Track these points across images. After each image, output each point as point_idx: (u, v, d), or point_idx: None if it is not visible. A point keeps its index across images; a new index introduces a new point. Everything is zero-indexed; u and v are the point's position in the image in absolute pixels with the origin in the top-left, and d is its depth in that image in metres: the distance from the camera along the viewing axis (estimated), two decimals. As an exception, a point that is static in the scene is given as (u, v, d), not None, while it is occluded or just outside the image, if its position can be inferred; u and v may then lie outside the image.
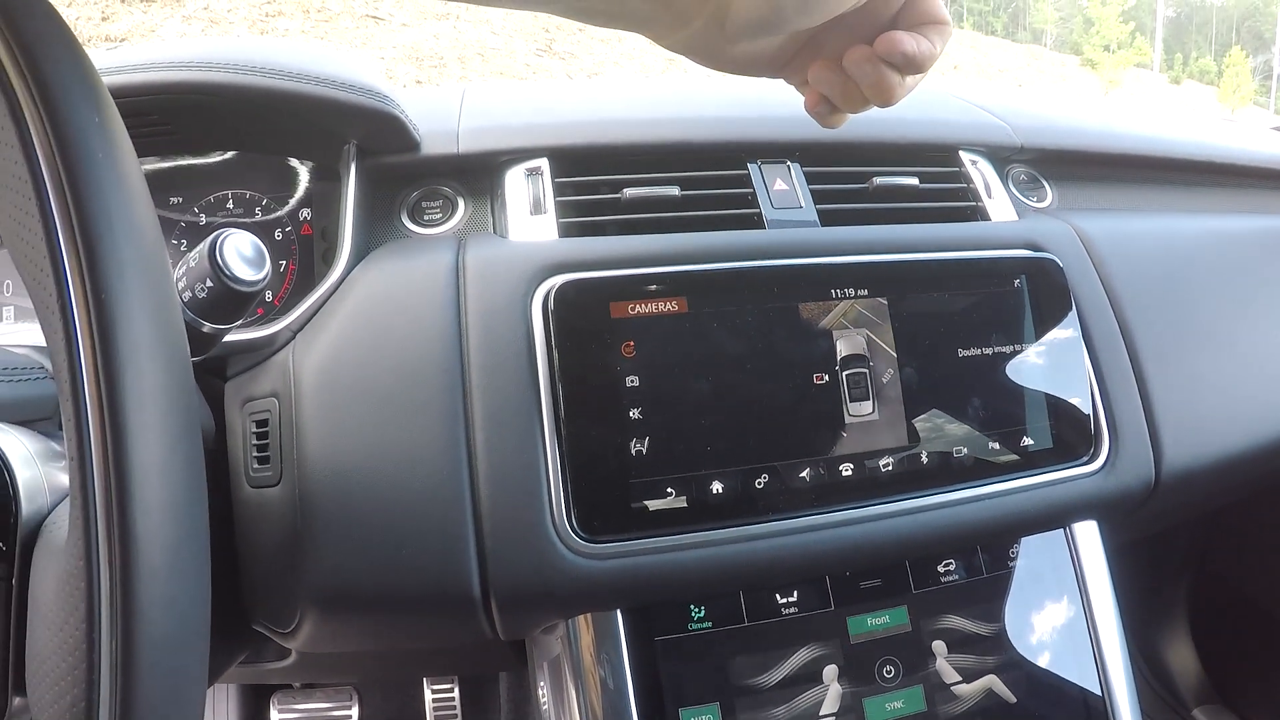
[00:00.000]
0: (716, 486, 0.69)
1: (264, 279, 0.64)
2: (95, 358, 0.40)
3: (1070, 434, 0.79)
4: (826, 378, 0.72)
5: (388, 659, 0.99)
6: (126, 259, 0.41)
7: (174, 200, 0.87)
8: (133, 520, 0.41)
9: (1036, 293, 0.81)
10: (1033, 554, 0.81)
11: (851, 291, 0.74)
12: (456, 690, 1.35)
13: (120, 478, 0.40)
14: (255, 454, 0.70)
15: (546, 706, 0.79)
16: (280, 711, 1.37)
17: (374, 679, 1.39)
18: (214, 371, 0.76)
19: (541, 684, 0.80)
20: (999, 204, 0.90)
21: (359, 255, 0.77)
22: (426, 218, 0.83)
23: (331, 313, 0.73)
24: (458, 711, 1.35)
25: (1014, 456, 0.77)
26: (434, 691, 1.34)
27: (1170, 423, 0.84)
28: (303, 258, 0.88)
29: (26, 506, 0.50)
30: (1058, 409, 0.79)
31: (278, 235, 0.88)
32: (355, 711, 1.37)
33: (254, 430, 0.71)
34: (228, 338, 0.73)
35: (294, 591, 0.68)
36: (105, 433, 0.40)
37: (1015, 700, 0.77)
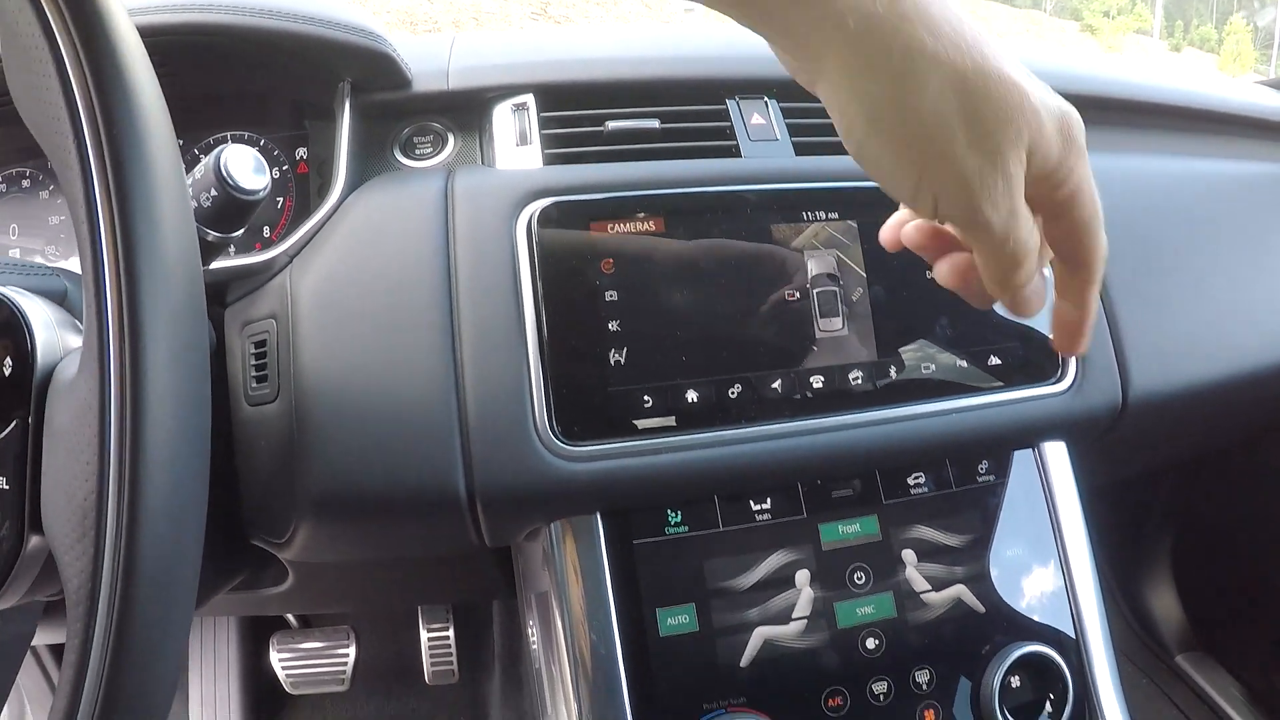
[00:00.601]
0: (691, 395, 0.72)
1: (265, 188, 0.68)
2: (110, 191, 0.44)
3: (1037, 354, 0.82)
4: (797, 294, 0.75)
5: (382, 582, 1.02)
6: (136, 111, 0.45)
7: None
8: (141, 329, 0.45)
9: (1004, 219, 0.83)
10: (1002, 471, 0.84)
11: (822, 214, 0.77)
12: (451, 630, 1.38)
13: (131, 297, 0.45)
14: (254, 373, 0.73)
15: (536, 646, 0.83)
16: (279, 651, 1.40)
17: (369, 608, 1.43)
18: (214, 299, 0.79)
19: (531, 622, 0.83)
20: (972, 140, 0.92)
21: (353, 186, 0.80)
22: (418, 152, 0.86)
23: (327, 237, 0.76)
24: (453, 649, 1.39)
25: (981, 374, 0.80)
26: (430, 630, 1.38)
27: (1137, 349, 0.87)
28: (299, 194, 0.91)
29: (42, 358, 0.54)
30: (1025, 331, 0.82)
31: (275, 173, 0.91)
32: (352, 650, 1.41)
33: (253, 351, 0.74)
34: (228, 263, 0.77)
35: (289, 499, 0.71)
36: (118, 256, 0.44)
37: (984, 610, 0.81)
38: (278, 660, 1.41)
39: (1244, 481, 1.43)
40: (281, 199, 0.91)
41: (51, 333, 0.57)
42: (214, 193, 0.67)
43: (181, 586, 0.48)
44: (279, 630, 1.45)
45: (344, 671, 1.41)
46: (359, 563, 0.91)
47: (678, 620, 0.73)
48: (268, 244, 0.87)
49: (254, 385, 0.73)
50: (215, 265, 0.77)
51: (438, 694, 1.55)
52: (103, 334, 0.45)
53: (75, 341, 0.58)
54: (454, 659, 1.40)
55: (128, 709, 0.45)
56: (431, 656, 1.40)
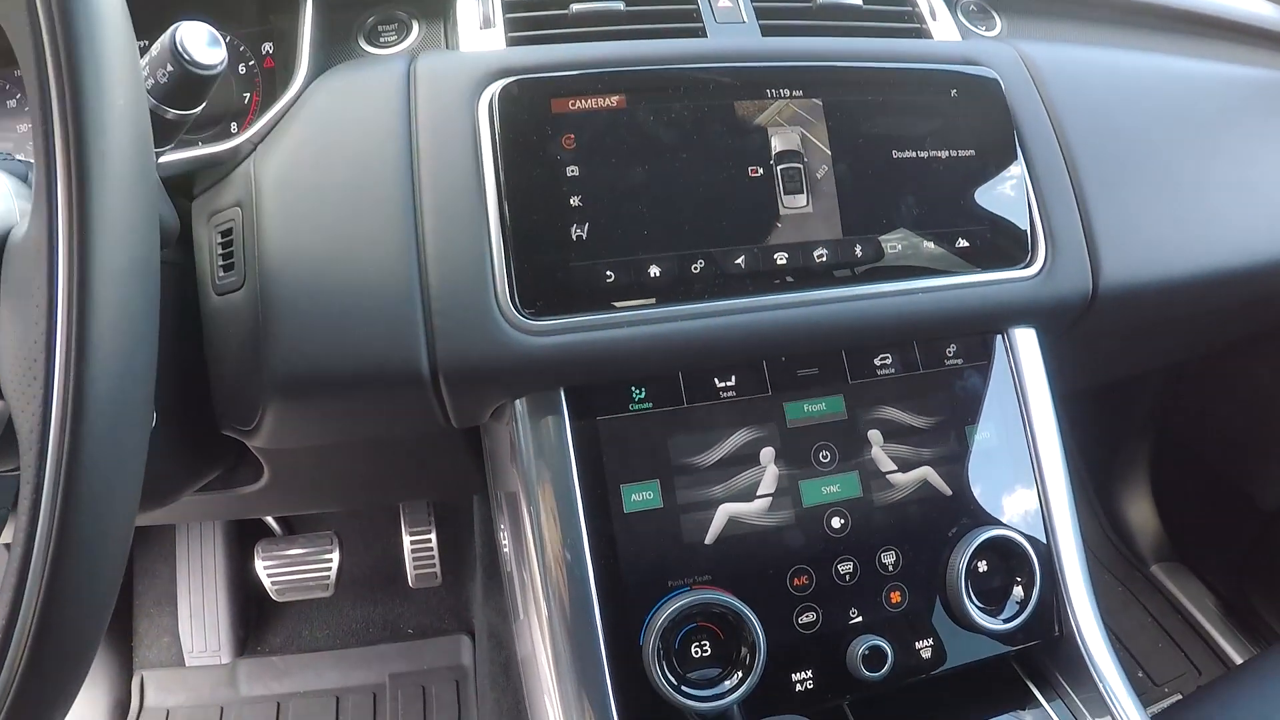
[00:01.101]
0: (654, 270, 0.72)
1: (221, 62, 0.67)
2: (59, 48, 0.44)
3: (1006, 240, 0.82)
4: (760, 171, 0.75)
5: (357, 477, 1.03)
6: None
7: (141, 43, 0.89)
8: (88, 170, 0.45)
9: (973, 105, 0.83)
10: (970, 355, 0.84)
11: (786, 92, 0.76)
12: (433, 533, 1.40)
13: (79, 141, 0.45)
14: (221, 263, 0.73)
15: (507, 549, 0.83)
16: (264, 559, 1.42)
17: (348, 507, 1.44)
18: (181, 192, 0.78)
19: (502, 526, 0.84)
20: (943, 27, 0.91)
21: (316, 74, 0.79)
22: (382, 40, 0.85)
23: (289, 124, 0.75)
24: (435, 552, 1.40)
25: (948, 256, 0.80)
26: (411, 533, 1.39)
27: (1109, 239, 0.86)
28: (265, 89, 0.90)
29: None
30: (994, 215, 0.82)
31: (241, 69, 0.90)
32: (336, 556, 1.42)
33: (219, 240, 0.74)
34: (192, 153, 0.77)
35: (256, 384, 0.71)
36: (66, 108, 0.44)
37: (951, 493, 0.81)
38: (263, 568, 1.42)
39: (1223, 394, 1.43)
40: (249, 94, 0.90)
41: (10, 201, 0.56)
42: (170, 68, 0.66)
43: (133, 418, 0.48)
44: (263, 539, 1.46)
45: (328, 577, 1.43)
46: (333, 454, 0.92)
47: (642, 497, 0.74)
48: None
49: (221, 274, 0.73)
50: (181, 156, 0.77)
51: (421, 597, 1.58)
52: (50, 178, 0.45)
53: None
54: (436, 561, 1.42)
55: (81, 547, 0.46)
56: (414, 560, 1.41)
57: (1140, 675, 1.52)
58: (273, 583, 1.43)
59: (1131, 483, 1.67)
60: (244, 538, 1.54)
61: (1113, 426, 1.64)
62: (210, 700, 1.53)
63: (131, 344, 0.48)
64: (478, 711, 1.42)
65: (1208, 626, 1.57)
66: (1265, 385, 1.35)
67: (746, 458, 0.77)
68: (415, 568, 1.42)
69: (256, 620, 1.59)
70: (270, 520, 1.56)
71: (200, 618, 1.55)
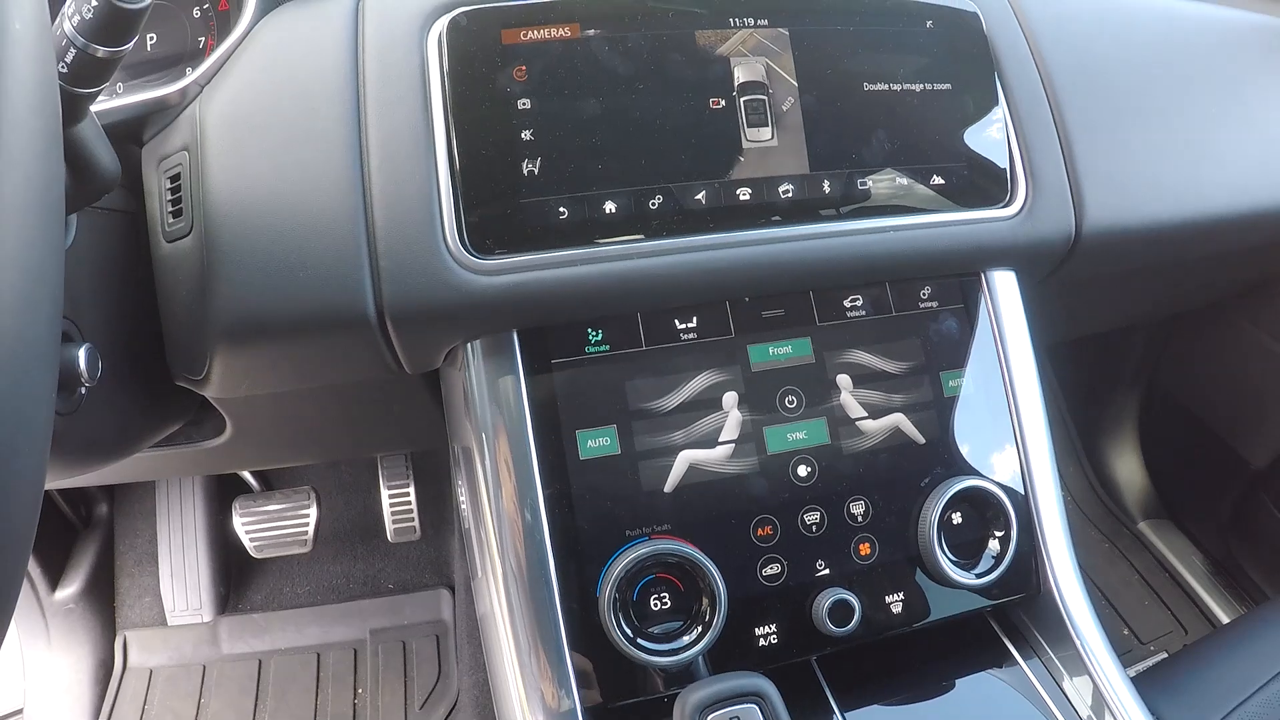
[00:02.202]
0: (609, 206, 0.70)
1: None
2: None
3: (984, 178, 0.79)
4: (723, 103, 0.72)
5: (320, 428, 1.01)
6: None
7: None
8: None
9: (950, 38, 0.79)
10: (946, 298, 0.82)
11: (751, 21, 0.73)
12: (411, 487, 1.38)
13: None
14: (170, 209, 0.71)
15: (465, 506, 0.81)
16: (241, 515, 1.40)
17: (318, 459, 1.42)
18: (131, 138, 0.76)
19: (460, 482, 0.81)
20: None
21: (265, 12, 0.76)
22: None
23: (235, 63, 0.73)
24: (413, 507, 1.39)
25: (923, 193, 0.77)
26: (390, 488, 1.38)
27: (1093, 181, 0.83)
28: (220, 32, 0.87)
29: None
30: (971, 152, 0.79)
31: (196, 13, 0.87)
32: (313, 511, 1.41)
33: (168, 186, 0.71)
34: (140, 96, 0.74)
35: (203, 331, 0.69)
36: None
37: (924, 441, 0.79)
38: (240, 524, 1.41)
39: (1214, 349, 1.41)
40: (204, 38, 0.87)
41: None
42: (94, 3, 0.64)
43: (36, 358, 0.45)
44: (241, 495, 1.45)
45: (306, 533, 1.42)
46: (294, 405, 0.89)
47: (598, 443, 0.72)
48: (188, 82, 0.85)
49: (170, 221, 0.71)
50: (127, 101, 0.74)
51: (401, 551, 1.58)
52: None
53: None
54: (415, 516, 1.41)
55: None
56: (393, 514, 1.40)
57: (1125, 633, 1.51)
58: (251, 539, 1.42)
59: (1119, 438, 1.65)
60: (224, 496, 1.53)
61: (1101, 380, 1.62)
62: (193, 659, 1.53)
63: (30, 283, 0.44)
64: (457, 665, 1.41)
65: (1194, 584, 1.56)
66: (1256, 341, 1.33)
67: (708, 402, 0.74)
68: (394, 522, 1.41)
69: (237, 578, 1.59)
70: (248, 477, 1.55)
71: (181, 576, 1.55)
